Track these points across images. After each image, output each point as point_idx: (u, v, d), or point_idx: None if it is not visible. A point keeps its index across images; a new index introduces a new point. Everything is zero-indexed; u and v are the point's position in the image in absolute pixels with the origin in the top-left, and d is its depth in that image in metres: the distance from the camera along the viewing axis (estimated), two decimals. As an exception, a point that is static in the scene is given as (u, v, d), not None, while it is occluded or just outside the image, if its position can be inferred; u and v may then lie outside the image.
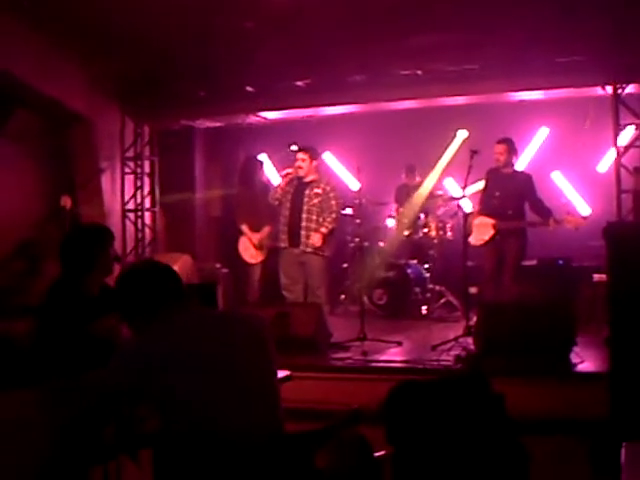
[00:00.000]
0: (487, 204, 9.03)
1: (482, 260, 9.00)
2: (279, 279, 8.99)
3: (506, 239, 8.72)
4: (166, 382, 3.02)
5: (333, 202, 8.72)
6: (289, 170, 8.93)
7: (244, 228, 10.05)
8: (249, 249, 10.06)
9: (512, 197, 8.81)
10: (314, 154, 8.90)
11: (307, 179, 8.78)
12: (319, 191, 8.70)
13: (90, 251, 4.50)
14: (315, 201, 8.68)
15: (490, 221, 8.79)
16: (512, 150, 8.90)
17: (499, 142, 8.87)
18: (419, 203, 10.70)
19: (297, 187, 8.83)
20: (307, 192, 8.72)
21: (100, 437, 3.45)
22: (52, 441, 3.22)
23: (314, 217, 8.65)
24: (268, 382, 3.28)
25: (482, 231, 8.84)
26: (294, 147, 9.08)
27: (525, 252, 8.85)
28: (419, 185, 10.98)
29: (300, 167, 8.76)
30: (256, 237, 9.97)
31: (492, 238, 8.76)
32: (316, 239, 8.56)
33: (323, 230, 8.59)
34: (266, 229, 9.92)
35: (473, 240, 8.86)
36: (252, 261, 10.14)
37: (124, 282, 3.47)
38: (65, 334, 4.18)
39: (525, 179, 8.95)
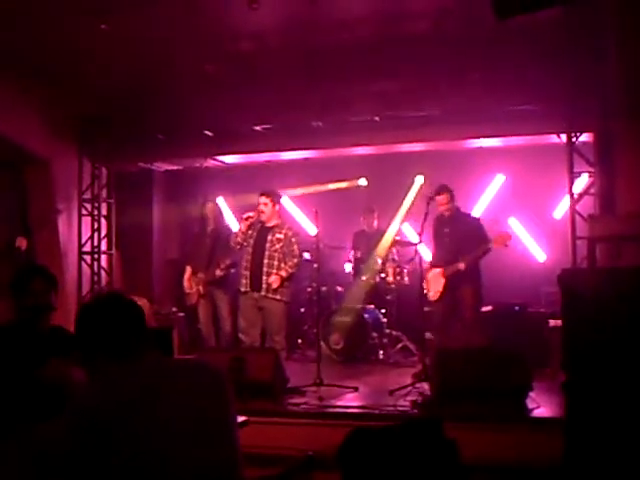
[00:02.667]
0: (436, 255, 9.12)
1: (437, 307, 9.03)
2: (237, 322, 8.97)
3: (458, 286, 8.75)
4: (128, 427, 2.95)
5: (295, 247, 8.71)
6: (250, 214, 8.92)
7: (187, 269, 10.10)
8: (187, 291, 10.11)
9: (454, 241, 8.87)
10: (276, 198, 8.90)
11: (269, 224, 8.77)
12: (281, 236, 8.70)
13: (16, 291, 4.43)
14: (277, 246, 8.67)
15: (439, 270, 8.86)
16: (452, 196, 8.95)
17: (439, 193, 8.90)
18: (382, 253, 10.74)
19: (259, 231, 8.81)
20: (269, 237, 8.71)
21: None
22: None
23: (275, 262, 8.64)
24: (227, 430, 3.23)
25: (436, 283, 8.89)
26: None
27: (481, 296, 8.87)
28: (377, 231, 11.02)
29: (262, 211, 8.75)
30: (189, 280, 10.04)
31: (445, 287, 8.79)
32: (273, 279, 8.54)
33: (282, 273, 8.57)
34: (200, 275, 9.91)
35: (431, 294, 8.92)
36: (188, 303, 10.21)
37: (88, 314, 3.32)
38: (10, 378, 4.07)
39: (465, 220, 9.02)
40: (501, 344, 8.53)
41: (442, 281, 8.78)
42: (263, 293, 8.61)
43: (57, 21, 7.47)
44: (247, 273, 8.77)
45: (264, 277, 8.62)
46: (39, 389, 4.02)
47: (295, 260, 8.68)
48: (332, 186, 11.53)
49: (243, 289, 8.79)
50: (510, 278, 9.89)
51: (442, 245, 9.01)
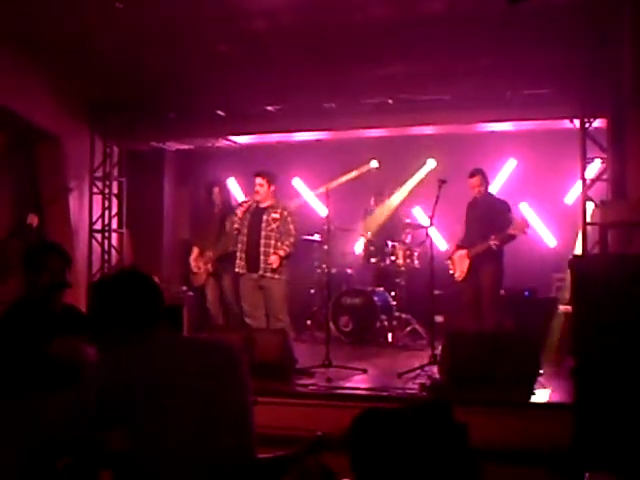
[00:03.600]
0: (464, 236, 9.14)
1: (459, 290, 9.06)
2: (241, 306, 8.99)
3: (480, 267, 8.79)
4: (135, 409, 2.95)
5: (291, 226, 8.72)
6: (246, 199, 8.96)
7: (194, 250, 10.11)
8: (194, 271, 10.14)
9: (479, 223, 8.90)
10: (272, 179, 8.88)
11: (265, 204, 8.76)
12: (277, 216, 8.70)
13: (31, 268, 4.44)
14: (273, 226, 8.67)
15: (463, 252, 8.89)
16: (485, 179, 9.01)
17: (471, 175, 8.96)
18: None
19: (254, 212, 8.80)
20: (265, 217, 8.70)
21: (57, 462, 3.37)
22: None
23: (272, 242, 8.64)
24: (240, 408, 3.22)
25: (461, 264, 8.93)
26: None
27: (501, 281, 8.89)
28: (390, 214, 11.01)
29: (257, 192, 8.76)
30: (197, 260, 10.05)
31: (469, 268, 8.83)
32: (273, 259, 8.55)
33: (281, 253, 8.59)
34: (209, 254, 9.92)
35: (456, 275, 8.97)
36: (196, 283, 10.24)
37: (104, 290, 3.32)
38: (20, 352, 4.09)
39: (492, 202, 9.06)
40: (512, 329, 8.55)
41: (467, 262, 8.82)
42: (261, 272, 8.63)
43: (71, -1, 7.46)
44: (243, 255, 8.78)
45: (262, 257, 8.62)
46: (46, 364, 4.03)
47: (292, 239, 8.69)
48: (345, 178, 11.54)
49: (240, 271, 8.81)
50: (521, 263, 9.85)
51: (471, 227, 9.05)
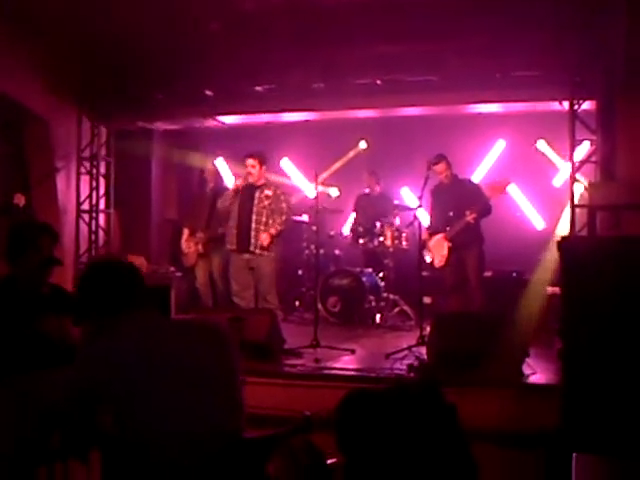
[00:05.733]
0: (435, 221, 9.17)
1: (443, 274, 9.09)
2: (230, 285, 9.00)
3: (462, 250, 8.81)
4: (128, 387, 2.97)
5: (284, 204, 8.78)
6: (238, 182, 8.96)
7: (184, 231, 10.09)
8: (185, 252, 10.13)
9: (452, 205, 8.93)
10: (263, 159, 8.91)
11: (257, 183, 8.80)
12: (269, 193, 8.77)
13: (19, 246, 4.41)
14: (265, 203, 8.73)
15: (440, 236, 8.91)
16: (449, 164, 9.05)
17: (436, 162, 8.98)
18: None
19: (246, 190, 8.83)
20: (257, 195, 8.76)
21: (48, 439, 3.39)
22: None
23: (263, 219, 8.70)
24: (229, 388, 3.25)
25: (439, 250, 8.94)
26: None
27: (484, 261, 8.93)
28: (380, 195, 10.99)
29: (250, 173, 8.78)
30: (188, 241, 10.04)
31: (450, 250, 8.84)
32: (264, 237, 8.59)
33: (272, 231, 8.65)
34: (200, 235, 9.90)
35: (436, 262, 8.99)
36: (186, 264, 10.27)
37: (90, 278, 3.39)
38: (7, 331, 4.07)
39: (462, 183, 9.11)
40: (499, 310, 8.57)
41: (446, 245, 8.84)
42: (252, 249, 8.66)
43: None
44: (235, 232, 8.83)
45: (252, 233, 8.68)
46: (38, 342, 4.04)
47: (284, 217, 8.76)
48: (336, 165, 11.53)
49: (231, 247, 8.84)
50: (508, 245, 9.87)
51: (442, 211, 9.07)
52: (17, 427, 3.24)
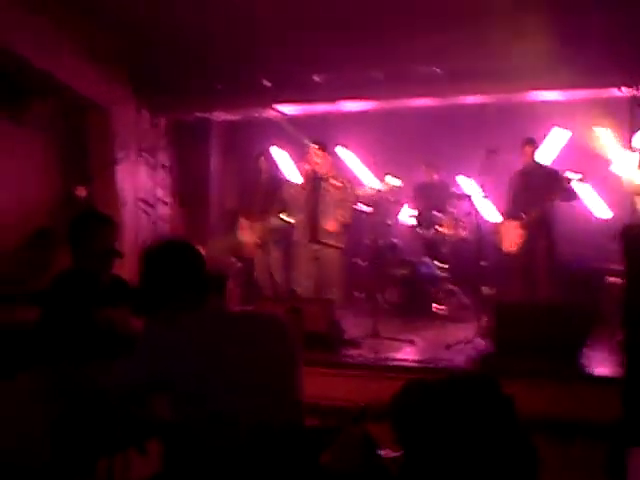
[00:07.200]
0: (511, 207, 9.08)
1: (509, 262, 9.02)
2: (290, 274, 9.02)
3: (535, 238, 8.75)
4: (188, 375, 2.97)
5: (351, 197, 8.73)
6: (306, 166, 8.91)
7: (242, 221, 10.09)
8: (243, 242, 10.18)
9: (533, 191, 8.86)
10: (327, 148, 8.89)
11: (324, 173, 8.76)
12: (337, 183, 8.71)
13: (82, 238, 4.45)
14: (333, 193, 8.68)
15: (515, 223, 8.84)
16: (536, 149, 9.00)
17: (528, 143, 8.93)
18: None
19: (313, 180, 8.80)
20: (324, 185, 8.71)
21: (110, 429, 3.41)
22: (58, 430, 3.18)
23: (331, 209, 8.65)
24: (289, 378, 3.25)
25: (511, 235, 8.87)
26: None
27: (555, 250, 8.89)
28: (438, 184, 10.91)
29: (317, 163, 8.74)
30: (245, 231, 10.05)
31: (523, 237, 8.79)
32: (333, 225, 8.54)
33: (340, 219, 8.59)
34: (258, 224, 9.90)
35: (506, 246, 8.92)
36: (245, 254, 10.34)
37: (154, 260, 3.36)
38: (69, 321, 4.11)
39: (547, 170, 9.03)
40: (561, 300, 8.48)
41: (519, 232, 8.77)
42: (319, 239, 8.61)
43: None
44: (302, 222, 8.78)
45: (320, 223, 8.62)
46: (99, 334, 4.07)
47: (351, 209, 8.68)
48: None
49: (300, 239, 8.81)
50: (570, 233, 9.73)
51: (521, 195, 8.99)
52: (77, 419, 3.26)
